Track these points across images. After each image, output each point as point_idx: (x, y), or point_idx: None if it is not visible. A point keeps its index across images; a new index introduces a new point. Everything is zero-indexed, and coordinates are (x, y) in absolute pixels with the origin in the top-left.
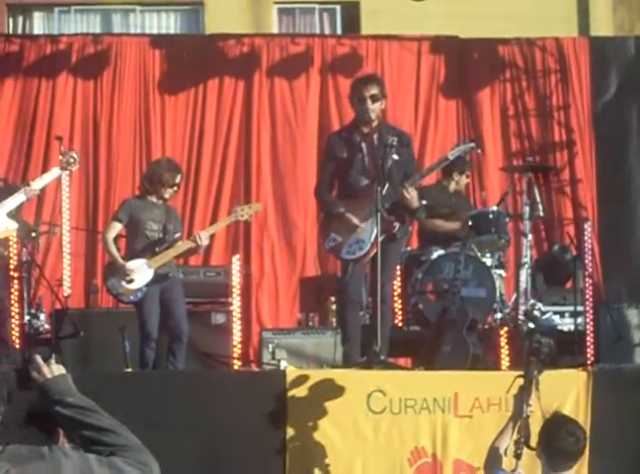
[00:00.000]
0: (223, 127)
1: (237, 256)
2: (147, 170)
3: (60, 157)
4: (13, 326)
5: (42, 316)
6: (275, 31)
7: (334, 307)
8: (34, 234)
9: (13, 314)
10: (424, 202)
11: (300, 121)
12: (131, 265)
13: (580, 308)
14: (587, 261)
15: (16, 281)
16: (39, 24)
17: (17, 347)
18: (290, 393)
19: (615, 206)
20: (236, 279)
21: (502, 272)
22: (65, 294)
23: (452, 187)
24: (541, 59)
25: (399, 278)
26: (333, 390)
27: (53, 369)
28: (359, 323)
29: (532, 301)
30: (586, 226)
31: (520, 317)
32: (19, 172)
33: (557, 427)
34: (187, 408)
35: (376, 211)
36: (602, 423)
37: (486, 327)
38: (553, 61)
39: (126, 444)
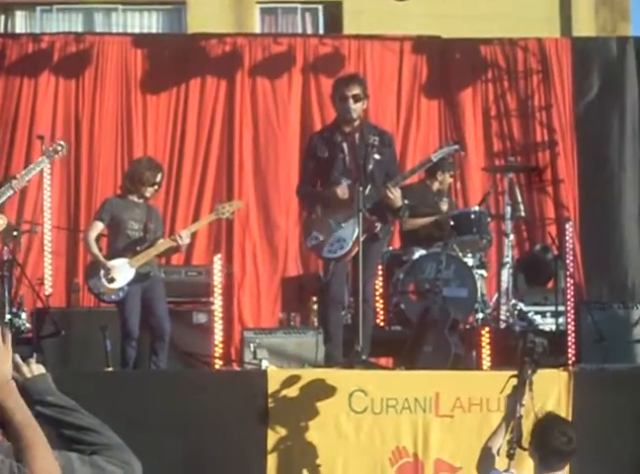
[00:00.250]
0: (205, 127)
1: (219, 255)
2: (128, 169)
3: (46, 145)
4: None
5: (24, 315)
6: (257, 30)
7: (315, 307)
8: (15, 233)
9: None
10: (406, 202)
11: (282, 121)
12: (113, 264)
13: (561, 308)
14: (568, 261)
15: None
16: (20, 22)
17: None
18: (272, 393)
19: (597, 206)
20: (218, 279)
21: (483, 272)
22: (47, 293)
23: (436, 186)
24: (523, 60)
25: (381, 278)
26: (314, 390)
27: (33, 369)
28: (340, 323)
29: (514, 301)
30: (567, 226)
31: (503, 317)
32: (0, 171)
33: (550, 426)
34: (168, 407)
35: (358, 211)
36: (584, 423)
37: (467, 327)
38: (535, 62)
39: (108, 444)
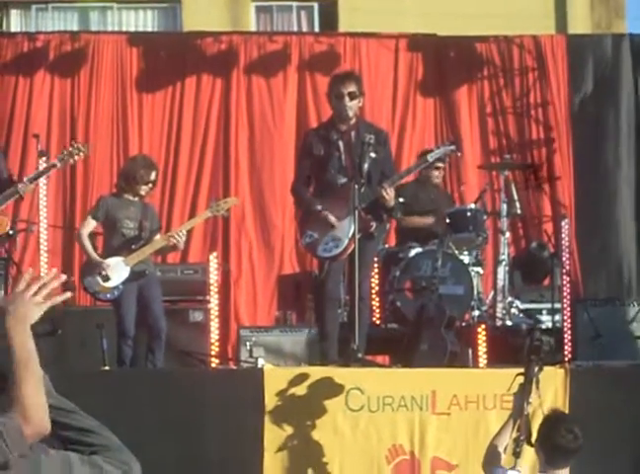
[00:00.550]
0: (201, 125)
1: (215, 254)
2: (123, 167)
3: (65, 148)
4: None
5: None
6: (252, 28)
7: (312, 304)
8: (11, 232)
9: None
10: (401, 200)
11: (278, 119)
12: (108, 262)
13: (557, 305)
14: (564, 258)
15: None
16: (16, 21)
17: None
18: (268, 391)
19: (593, 204)
20: (214, 277)
21: (479, 269)
22: None
23: (431, 184)
24: (519, 57)
25: (377, 276)
26: (311, 388)
27: None
28: (336, 321)
29: (510, 299)
30: (563, 223)
31: (499, 314)
32: None
33: (555, 424)
34: (164, 406)
35: (354, 209)
36: (580, 420)
37: (464, 324)
38: (531, 59)
39: (107, 444)
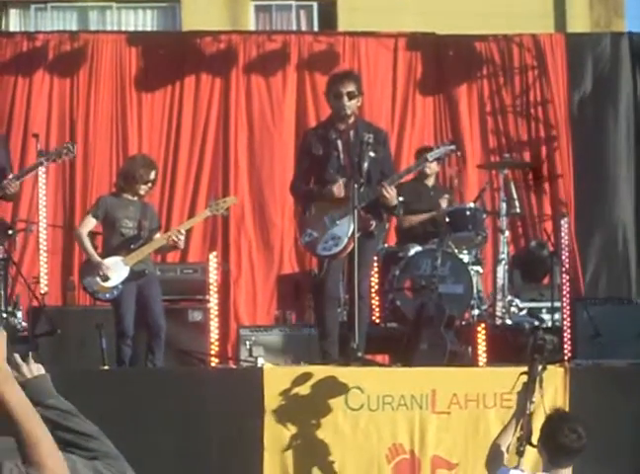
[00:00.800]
0: (200, 124)
1: (214, 253)
2: (122, 167)
3: (55, 147)
4: None
5: (19, 314)
6: (251, 27)
7: (311, 304)
8: (10, 231)
9: None
10: (401, 199)
11: (277, 118)
12: (107, 262)
13: (557, 304)
14: (564, 257)
15: None
16: (15, 21)
17: None
18: (268, 390)
19: (593, 202)
20: (213, 277)
21: (479, 268)
22: (42, 292)
23: (431, 181)
24: (519, 56)
25: (376, 275)
26: (310, 387)
27: (33, 369)
28: (336, 320)
29: (510, 297)
30: (563, 222)
31: (499, 313)
32: None
33: (559, 423)
34: (164, 405)
35: (353, 209)
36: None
37: (463, 323)
38: (530, 58)
39: (108, 452)
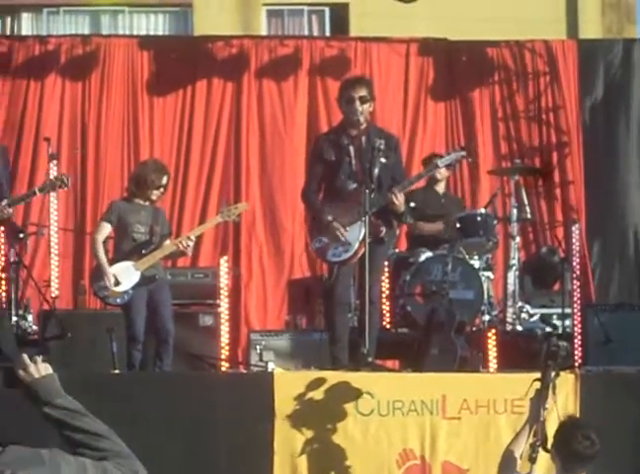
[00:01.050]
0: (212, 129)
1: (225, 257)
2: (134, 172)
3: (50, 176)
4: None
5: (30, 317)
6: (263, 32)
7: (322, 309)
8: (21, 235)
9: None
10: (411, 205)
11: (289, 123)
12: (118, 267)
13: (568, 310)
14: (574, 263)
15: (3, 282)
16: (27, 25)
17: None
18: (278, 395)
19: (604, 208)
20: (224, 281)
21: (490, 274)
22: (53, 295)
23: (440, 188)
24: (531, 62)
25: (387, 280)
26: (321, 392)
27: (41, 369)
28: (346, 325)
29: (520, 303)
30: (574, 228)
31: (509, 319)
32: None
33: (572, 430)
34: (174, 409)
35: (364, 214)
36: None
37: (474, 329)
38: (542, 64)
39: (119, 451)
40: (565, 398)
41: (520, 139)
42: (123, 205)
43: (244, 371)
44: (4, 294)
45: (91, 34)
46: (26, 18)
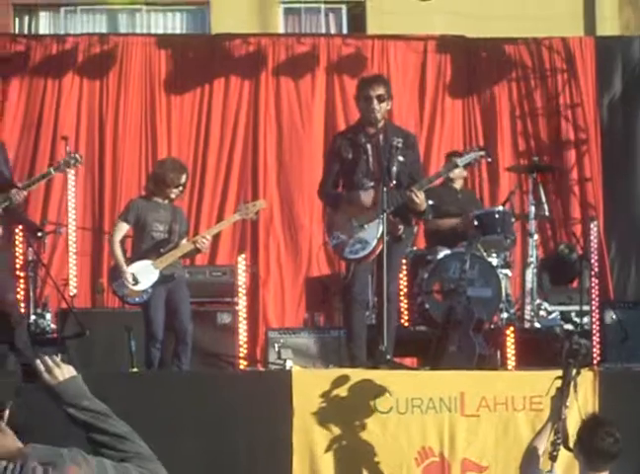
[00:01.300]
0: (229, 127)
1: (243, 255)
2: (152, 171)
3: (64, 158)
4: None
5: (48, 316)
6: (280, 30)
7: (340, 306)
8: (40, 234)
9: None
10: (430, 203)
11: (306, 121)
12: (137, 266)
13: (586, 308)
14: (593, 260)
15: (22, 281)
16: (45, 23)
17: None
18: (296, 393)
19: (622, 205)
20: (242, 279)
21: (508, 271)
22: (71, 294)
23: (458, 185)
24: (548, 59)
25: (405, 278)
26: (339, 390)
27: (64, 371)
28: (364, 323)
29: (538, 301)
30: (592, 226)
31: (527, 316)
32: (24, 171)
33: (596, 428)
34: (193, 408)
35: (382, 212)
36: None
37: (492, 327)
38: (560, 61)
39: (141, 453)
40: (584, 395)
41: (537, 136)
42: (142, 204)
43: (262, 370)
44: (23, 293)
45: (108, 32)
46: (43, 17)
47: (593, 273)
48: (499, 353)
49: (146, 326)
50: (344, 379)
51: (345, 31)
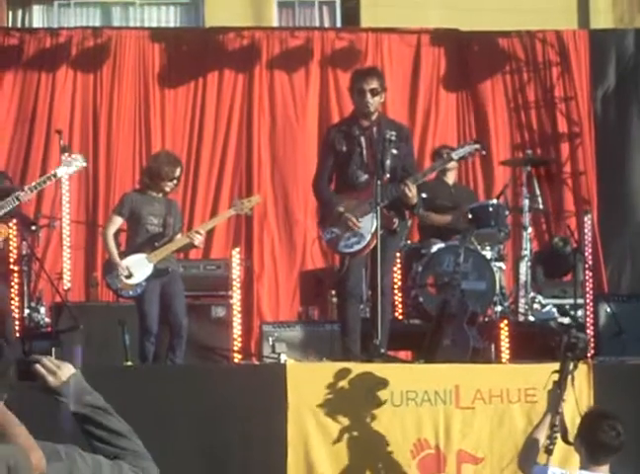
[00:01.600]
0: (223, 120)
1: (237, 249)
2: (147, 164)
3: (65, 157)
4: None
5: (43, 309)
6: (274, 24)
7: (334, 300)
8: (34, 227)
9: (13, 308)
10: (423, 196)
11: (300, 115)
12: (131, 260)
13: (580, 301)
14: (587, 253)
15: (16, 275)
16: (38, 17)
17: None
18: (291, 386)
19: (616, 198)
20: (236, 273)
21: (502, 264)
22: (65, 288)
23: (450, 179)
24: (542, 52)
25: (399, 271)
26: (333, 383)
27: (65, 371)
28: (358, 316)
29: (532, 294)
30: (586, 219)
31: (522, 309)
32: (18, 165)
33: (598, 421)
34: (187, 402)
35: (376, 205)
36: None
37: (486, 320)
38: (554, 54)
39: (137, 451)
40: (578, 389)
41: (531, 130)
42: (136, 197)
43: (257, 363)
44: (17, 287)
45: (102, 26)
46: (37, 10)
47: (587, 266)
48: (493, 346)
49: (140, 320)
50: (338, 373)
51: (339, 24)
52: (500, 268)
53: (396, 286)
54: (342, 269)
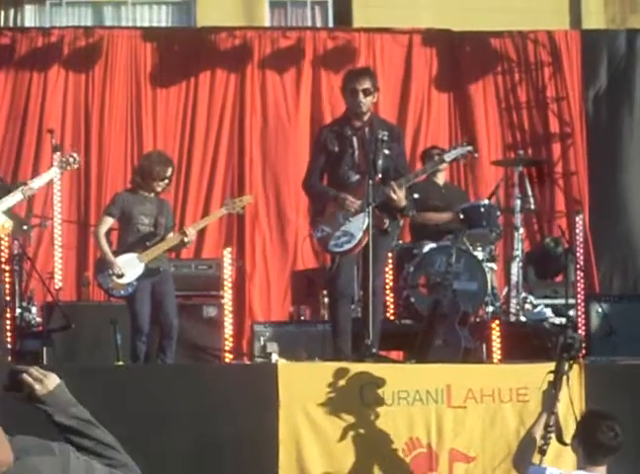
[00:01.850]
0: (215, 120)
1: (229, 249)
2: (138, 164)
3: (59, 156)
4: None
5: (34, 309)
6: (266, 23)
7: (326, 300)
8: (25, 227)
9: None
10: (415, 196)
11: (292, 114)
12: (122, 259)
13: (571, 301)
14: (578, 253)
15: (7, 274)
16: (30, 16)
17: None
18: (282, 386)
19: (608, 199)
20: (228, 272)
21: (493, 265)
22: (57, 287)
23: (441, 180)
24: (534, 52)
25: (391, 272)
26: (325, 383)
27: (51, 380)
28: (349, 316)
29: (524, 294)
30: (577, 219)
31: (513, 310)
32: (10, 165)
33: (596, 421)
34: (178, 401)
35: (368, 205)
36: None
37: (478, 320)
38: (545, 54)
39: (126, 463)
40: (570, 389)
41: (523, 130)
42: (128, 197)
43: (248, 363)
44: (8, 286)
45: (94, 25)
46: (29, 9)
47: (578, 266)
48: (484, 346)
49: (132, 319)
50: (329, 372)
51: (331, 24)
52: (491, 268)
53: (388, 287)
54: (332, 267)
